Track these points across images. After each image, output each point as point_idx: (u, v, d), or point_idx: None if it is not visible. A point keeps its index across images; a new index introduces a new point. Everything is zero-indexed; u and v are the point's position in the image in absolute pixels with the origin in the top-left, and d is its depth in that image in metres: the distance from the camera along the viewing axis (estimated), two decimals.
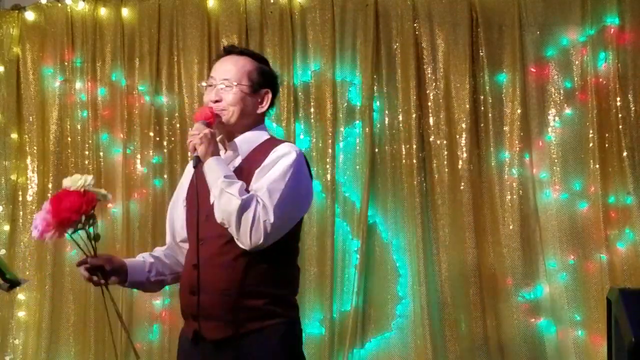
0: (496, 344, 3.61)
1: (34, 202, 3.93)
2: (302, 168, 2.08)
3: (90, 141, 3.90)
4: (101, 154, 3.92)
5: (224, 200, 1.94)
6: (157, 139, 3.88)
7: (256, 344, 2.02)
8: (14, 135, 3.97)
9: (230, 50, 2.22)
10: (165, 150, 3.87)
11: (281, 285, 2.08)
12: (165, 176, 3.85)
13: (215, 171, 1.98)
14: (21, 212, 3.94)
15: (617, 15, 3.64)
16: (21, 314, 3.90)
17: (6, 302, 3.85)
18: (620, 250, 3.57)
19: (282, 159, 2.04)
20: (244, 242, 1.95)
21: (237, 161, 2.13)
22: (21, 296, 3.89)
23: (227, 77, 2.12)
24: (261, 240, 1.93)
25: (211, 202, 1.99)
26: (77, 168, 3.90)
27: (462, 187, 3.68)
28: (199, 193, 2.02)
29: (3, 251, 3.85)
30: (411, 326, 3.65)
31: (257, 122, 2.19)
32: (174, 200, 2.29)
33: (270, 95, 2.19)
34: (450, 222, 3.68)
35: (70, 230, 2.07)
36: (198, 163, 2.01)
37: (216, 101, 2.11)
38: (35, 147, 3.95)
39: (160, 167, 3.86)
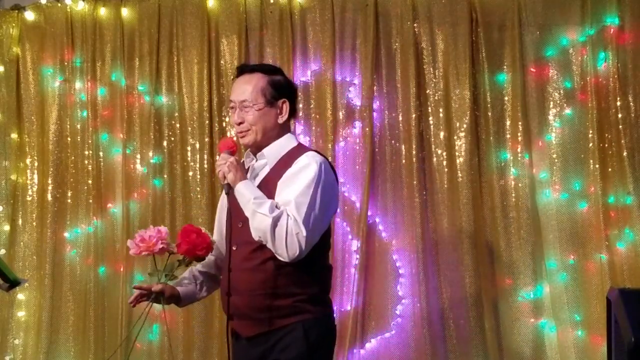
0: (496, 344, 3.61)
1: (34, 202, 3.93)
2: (324, 177, 2.21)
3: (90, 141, 3.90)
4: (101, 154, 3.92)
5: (257, 220, 2.12)
6: (157, 139, 3.88)
7: (283, 339, 2.21)
8: (14, 135, 3.97)
9: (242, 70, 2.35)
10: (165, 150, 3.87)
11: (310, 285, 2.24)
12: (165, 176, 3.85)
13: (245, 195, 2.17)
14: (21, 212, 3.94)
15: (617, 15, 3.64)
16: (21, 314, 3.90)
17: (6, 302, 3.85)
18: (620, 250, 3.57)
19: (304, 171, 2.19)
20: (282, 255, 2.13)
21: (266, 170, 2.28)
22: (21, 296, 3.89)
23: (243, 99, 2.27)
24: (297, 252, 2.11)
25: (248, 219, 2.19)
26: (77, 168, 3.91)
27: (462, 187, 3.68)
28: (231, 203, 2.25)
29: (3, 251, 3.85)
30: (411, 326, 3.65)
31: (282, 131, 2.33)
32: (221, 204, 2.50)
33: (288, 105, 2.31)
34: (450, 221, 3.69)
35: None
36: (230, 190, 2.22)
37: (239, 123, 2.28)
38: (35, 147, 3.95)
39: (160, 167, 3.86)
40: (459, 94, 3.72)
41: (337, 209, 2.37)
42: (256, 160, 2.33)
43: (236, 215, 2.23)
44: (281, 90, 2.30)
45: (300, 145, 2.36)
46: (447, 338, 3.64)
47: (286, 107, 2.31)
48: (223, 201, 2.46)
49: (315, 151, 2.33)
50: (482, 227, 3.68)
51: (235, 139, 2.28)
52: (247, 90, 2.27)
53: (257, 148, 2.32)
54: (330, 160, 3.70)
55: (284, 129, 2.33)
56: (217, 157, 2.26)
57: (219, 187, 3.72)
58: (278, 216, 2.09)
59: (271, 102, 2.27)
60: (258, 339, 2.24)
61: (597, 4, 3.66)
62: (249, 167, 2.36)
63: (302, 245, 2.10)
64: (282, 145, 2.30)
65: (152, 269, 2.36)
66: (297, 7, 3.82)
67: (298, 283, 2.21)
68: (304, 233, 2.09)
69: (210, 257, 2.45)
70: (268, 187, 2.22)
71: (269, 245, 2.12)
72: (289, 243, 2.09)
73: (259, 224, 2.11)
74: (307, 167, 2.19)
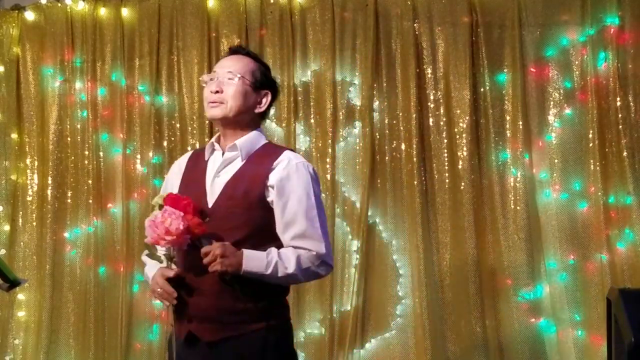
0: (496, 344, 3.61)
1: (34, 202, 3.93)
2: (316, 176, 2.14)
3: (90, 141, 3.90)
4: (101, 154, 3.92)
5: (283, 281, 2.05)
6: (157, 139, 3.88)
7: (251, 344, 2.03)
8: (14, 135, 3.97)
9: (236, 50, 2.22)
10: (165, 150, 3.87)
11: (275, 288, 2.09)
12: (165, 176, 3.84)
13: (255, 274, 1.98)
14: (21, 212, 3.95)
15: (617, 15, 3.64)
16: (21, 314, 3.90)
17: (6, 302, 3.85)
18: (620, 250, 3.57)
19: (296, 180, 2.06)
20: (321, 278, 2.17)
21: (238, 163, 2.12)
22: (21, 296, 3.89)
23: (231, 70, 2.11)
24: (331, 268, 2.12)
25: (212, 207, 2.04)
26: (77, 168, 3.91)
27: (462, 187, 3.68)
28: (197, 192, 2.06)
29: (3, 251, 3.85)
30: (411, 326, 3.65)
31: (254, 122, 2.18)
32: (171, 172, 2.28)
33: (269, 97, 2.18)
34: (450, 222, 3.68)
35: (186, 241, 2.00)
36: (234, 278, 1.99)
37: (217, 92, 2.09)
38: (35, 147, 3.95)
39: (160, 167, 3.86)
40: (459, 94, 3.72)
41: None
42: (223, 153, 2.14)
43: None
44: (268, 82, 2.19)
45: (271, 142, 2.25)
46: (447, 338, 3.64)
47: (267, 100, 2.16)
48: (174, 167, 2.26)
49: (290, 150, 2.20)
50: (482, 227, 3.68)
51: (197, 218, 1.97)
52: (237, 64, 2.13)
53: (222, 126, 2.13)
54: (329, 160, 3.74)
55: (256, 122, 2.18)
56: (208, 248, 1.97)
57: None
58: (299, 264, 2.02)
59: (256, 86, 2.13)
60: (221, 345, 2.02)
61: (597, 4, 3.66)
62: (209, 160, 2.17)
63: (330, 261, 2.09)
64: (253, 139, 2.14)
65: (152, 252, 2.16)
66: (297, 7, 3.82)
67: (265, 285, 2.03)
68: (324, 250, 2.06)
69: None
70: (243, 184, 2.05)
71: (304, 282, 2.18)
72: (320, 271, 2.07)
73: (287, 283, 2.09)
74: (297, 172, 2.07)
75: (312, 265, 2.04)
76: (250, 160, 2.11)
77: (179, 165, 2.25)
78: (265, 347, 2.04)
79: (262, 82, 2.16)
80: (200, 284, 2.01)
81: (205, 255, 1.94)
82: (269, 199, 2.06)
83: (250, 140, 2.14)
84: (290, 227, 2.05)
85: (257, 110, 2.16)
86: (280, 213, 2.05)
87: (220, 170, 2.12)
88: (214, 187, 2.09)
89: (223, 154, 2.14)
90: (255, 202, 2.05)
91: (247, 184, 2.05)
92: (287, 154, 2.12)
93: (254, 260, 1.97)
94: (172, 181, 2.23)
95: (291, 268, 2.00)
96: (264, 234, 2.05)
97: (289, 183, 2.06)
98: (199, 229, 1.94)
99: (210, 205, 2.05)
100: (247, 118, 2.15)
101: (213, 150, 2.18)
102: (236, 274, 1.95)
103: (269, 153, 2.12)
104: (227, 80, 2.10)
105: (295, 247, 2.04)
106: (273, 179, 2.06)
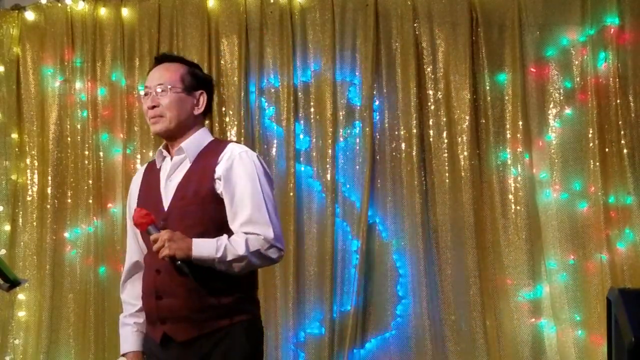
0: (496, 344, 3.61)
1: (34, 202, 3.93)
2: (260, 162, 2.16)
3: (90, 141, 3.90)
4: (101, 154, 3.92)
5: (235, 267, 2.03)
6: (157, 139, 3.86)
7: (224, 341, 2.08)
8: (14, 135, 3.97)
9: (161, 59, 2.27)
10: None
11: (246, 282, 2.15)
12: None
13: (205, 259, 2.00)
14: (21, 212, 3.94)
15: (617, 15, 3.64)
16: (21, 314, 3.90)
17: (6, 302, 3.85)
18: (620, 250, 3.57)
19: (240, 168, 2.11)
20: (273, 264, 2.15)
21: (186, 164, 2.18)
22: (21, 296, 3.89)
23: (161, 82, 2.17)
24: (282, 252, 2.12)
25: (169, 208, 2.11)
26: (77, 168, 3.91)
27: (462, 187, 3.68)
28: (153, 199, 2.15)
29: (3, 251, 3.85)
30: (411, 326, 3.65)
31: (196, 123, 2.23)
32: (130, 215, 2.25)
33: (205, 97, 2.24)
34: (450, 222, 3.68)
35: None
36: (190, 264, 1.98)
37: (153, 107, 2.17)
38: (35, 147, 3.95)
39: None
40: (459, 94, 3.72)
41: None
42: (172, 158, 2.21)
43: (158, 214, 2.09)
44: (200, 81, 2.23)
45: (217, 138, 2.31)
46: (447, 338, 3.64)
47: (203, 99, 2.22)
48: (133, 194, 2.31)
49: (234, 142, 2.26)
50: (482, 227, 3.68)
51: (141, 210, 2.04)
52: (165, 75, 2.18)
53: (168, 138, 2.21)
54: (330, 160, 3.74)
55: (198, 122, 2.24)
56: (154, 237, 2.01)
57: None
58: (247, 247, 2.02)
59: (189, 90, 2.19)
60: (194, 343, 2.07)
61: (597, 4, 3.66)
62: (160, 167, 2.24)
63: (279, 245, 2.09)
64: (199, 139, 2.21)
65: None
66: (297, 7, 3.82)
67: (235, 279, 2.08)
68: (272, 235, 2.06)
69: (129, 285, 2.29)
70: (193, 182, 2.12)
71: (258, 267, 2.13)
72: (270, 254, 2.07)
73: (238, 268, 2.03)
74: (240, 160, 2.12)
75: (261, 249, 2.05)
76: (198, 159, 2.17)
77: (136, 180, 2.35)
78: (233, 343, 2.07)
79: (193, 84, 2.21)
80: (170, 286, 2.07)
81: (155, 242, 1.98)
82: (218, 191, 2.12)
83: (196, 140, 2.20)
84: (237, 214, 2.09)
85: (196, 112, 2.22)
86: (229, 203, 2.10)
87: (171, 175, 2.19)
88: (167, 191, 2.16)
89: (172, 159, 2.21)
90: (207, 196, 2.11)
91: (196, 182, 2.12)
92: (230, 145, 2.19)
93: (204, 245, 2.00)
94: (133, 196, 2.32)
95: (241, 250, 2.01)
96: (221, 227, 2.09)
97: (233, 172, 2.11)
98: (146, 219, 2.01)
99: (166, 208, 2.12)
100: (189, 122, 2.20)
101: (163, 157, 2.25)
102: (186, 259, 1.97)
103: (214, 148, 2.18)
104: (160, 92, 2.16)
105: (244, 233, 2.07)
106: (219, 170, 2.12)
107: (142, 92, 2.25)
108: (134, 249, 2.30)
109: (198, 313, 2.07)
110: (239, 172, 2.11)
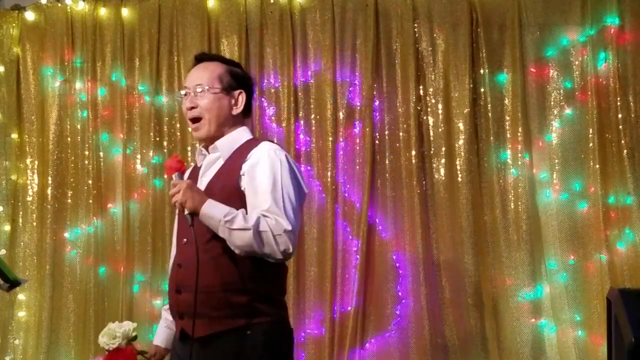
0: (496, 344, 3.61)
1: (34, 202, 3.93)
2: (286, 162, 2.13)
3: (90, 141, 3.90)
4: (101, 154, 3.92)
5: (236, 237, 1.98)
6: (157, 139, 3.88)
7: (240, 342, 2.05)
8: (14, 135, 3.97)
9: (200, 58, 2.28)
10: (165, 150, 3.87)
11: (265, 283, 2.11)
12: (165, 176, 3.85)
13: (213, 217, 2.00)
14: (21, 212, 3.94)
15: (617, 15, 3.64)
16: (21, 314, 3.90)
17: (6, 302, 3.84)
18: (620, 250, 3.57)
19: (266, 163, 2.09)
20: (276, 257, 2.02)
21: (219, 163, 2.19)
22: (21, 296, 3.88)
23: (199, 83, 2.18)
24: (290, 248, 2.01)
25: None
26: (77, 168, 3.91)
27: (462, 187, 3.68)
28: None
29: (3, 251, 3.85)
30: (411, 326, 3.65)
31: (235, 123, 2.24)
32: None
33: (244, 96, 2.24)
34: (450, 221, 3.68)
35: None
36: (193, 218, 2.02)
37: (192, 108, 2.18)
38: (35, 147, 3.95)
39: (160, 167, 3.86)
40: (459, 94, 3.72)
41: (306, 191, 2.23)
42: (208, 154, 2.23)
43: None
44: (239, 80, 2.23)
45: (254, 138, 2.29)
46: (447, 338, 3.64)
47: (242, 99, 2.22)
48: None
49: (269, 141, 2.25)
50: (482, 227, 3.68)
51: (178, 157, 2.16)
52: (203, 75, 2.19)
53: (210, 141, 2.22)
54: (330, 160, 3.73)
55: (238, 121, 2.24)
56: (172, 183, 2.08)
57: None
58: (257, 223, 1.97)
59: (227, 89, 2.20)
60: (210, 340, 2.06)
61: (597, 4, 3.66)
62: (201, 165, 2.26)
63: (292, 238, 2.00)
64: (235, 138, 2.21)
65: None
66: (297, 7, 3.82)
67: (254, 279, 2.06)
68: (289, 226, 1.99)
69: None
70: (221, 179, 2.12)
71: (259, 254, 2.00)
72: (279, 243, 1.98)
73: (240, 241, 1.97)
74: (267, 159, 2.10)
75: (271, 232, 1.98)
76: (230, 158, 2.17)
77: (185, 176, 2.33)
78: (249, 345, 2.05)
79: (232, 83, 2.21)
80: (190, 281, 2.03)
81: (174, 186, 2.02)
82: (242, 188, 2.10)
83: (232, 139, 2.21)
84: (256, 208, 2.05)
85: (234, 112, 2.22)
86: (250, 196, 2.08)
87: (205, 172, 2.21)
88: (200, 188, 2.14)
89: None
90: (233, 193, 2.09)
91: (224, 179, 2.12)
92: (261, 144, 2.17)
93: (216, 206, 2.01)
94: None
95: (249, 223, 1.97)
96: None
97: (257, 168, 2.09)
98: (176, 165, 2.08)
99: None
100: (228, 122, 2.22)
101: (203, 155, 2.27)
102: (194, 212, 1.99)
103: (247, 147, 2.17)
104: (199, 93, 2.18)
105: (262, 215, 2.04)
106: (245, 167, 2.11)
107: (182, 92, 2.26)
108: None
109: (213, 310, 2.05)
110: (263, 169, 2.09)
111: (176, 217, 2.34)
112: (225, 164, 2.17)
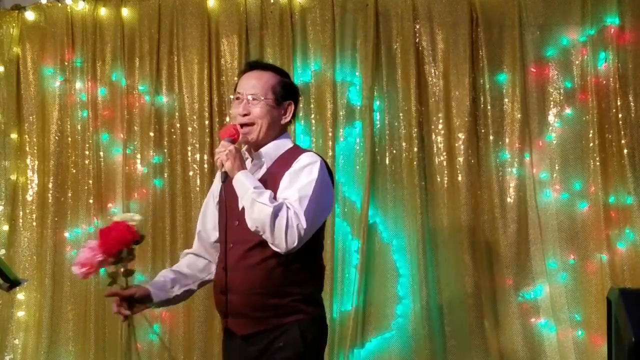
0: (496, 344, 3.61)
1: (34, 202, 3.93)
2: (325, 176, 2.24)
3: (90, 141, 3.90)
4: (101, 153, 3.92)
5: (256, 209, 2.09)
6: (157, 139, 3.88)
7: (280, 338, 2.21)
8: (14, 135, 3.97)
9: (254, 66, 2.38)
10: (166, 150, 3.87)
11: (306, 284, 2.26)
12: (165, 176, 3.85)
13: (243, 184, 2.14)
14: (21, 212, 3.94)
15: (617, 15, 3.64)
16: (21, 314, 3.90)
17: (6, 302, 3.85)
18: (620, 250, 3.57)
19: (307, 167, 2.20)
20: (280, 246, 2.10)
21: (263, 170, 2.29)
22: (21, 296, 3.89)
23: (254, 92, 2.28)
24: (295, 243, 2.09)
25: (243, 210, 2.15)
26: (77, 168, 3.91)
27: (462, 187, 3.68)
28: (227, 201, 2.22)
29: (3, 251, 3.85)
30: (411, 326, 3.65)
31: (281, 132, 2.36)
32: (206, 204, 2.48)
33: (292, 107, 2.35)
34: (450, 221, 3.69)
35: (111, 262, 2.39)
36: (226, 178, 2.18)
37: (245, 115, 2.28)
38: (35, 147, 3.95)
39: (160, 167, 3.86)
40: (459, 94, 3.72)
41: (331, 210, 2.35)
42: (252, 160, 2.33)
43: (232, 214, 2.23)
44: (289, 92, 2.35)
45: (296, 146, 2.40)
46: (447, 338, 3.64)
47: (291, 109, 2.34)
48: (214, 190, 2.44)
49: (313, 151, 2.35)
50: (481, 227, 3.68)
51: (238, 127, 2.27)
52: (258, 84, 2.29)
53: (255, 146, 2.33)
54: (330, 160, 3.73)
55: (283, 130, 2.37)
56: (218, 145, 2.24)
57: None
58: (279, 207, 2.07)
59: (279, 101, 2.31)
60: (253, 337, 2.23)
61: (598, 4, 3.66)
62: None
63: (301, 236, 2.08)
64: (279, 145, 2.33)
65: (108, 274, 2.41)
66: (297, 7, 3.82)
67: (295, 282, 2.22)
68: (304, 225, 2.08)
69: (188, 256, 2.47)
70: (263, 182, 2.21)
71: (266, 235, 2.08)
72: (288, 234, 2.07)
73: (258, 214, 2.07)
74: (309, 165, 2.21)
75: (286, 219, 2.06)
76: (273, 166, 2.28)
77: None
78: (288, 340, 2.20)
79: (283, 94, 2.32)
80: (233, 283, 2.21)
81: (222, 147, 2.19)
82: None
83: (276, 146, 2.32)
84: (282, 197, 2.16)
85: (282, 122, 2.34)
86: (281, 188, 2.19)
87: None
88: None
89: (252, 161, 2.33)
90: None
91: (267, 185, 2.20)
92: (308, 154, 2.27)
93: (250, 177, 2.17)
94: (216, 185, 2.44)
95: (272, 205, 2.06)
96: None
97: (298, 171, 2.20)
98: (230, 132, 2.24)
99: (240, 207, 2.19)
100: (275, 131, 2.33)
101: (246, 159, 2.35)
102: (228, 173, 2.16)
103: (291, 156, 2.27)
104: (252, 101, 2.28)
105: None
106: (287, 174, 2.21)
107: (232, 97, 2.35)
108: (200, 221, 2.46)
109: (255, 311, 2.21)
110: (304, 173, 2.19)
111: (210, 210, 2.42)
112: (268, 171, 2.28)
